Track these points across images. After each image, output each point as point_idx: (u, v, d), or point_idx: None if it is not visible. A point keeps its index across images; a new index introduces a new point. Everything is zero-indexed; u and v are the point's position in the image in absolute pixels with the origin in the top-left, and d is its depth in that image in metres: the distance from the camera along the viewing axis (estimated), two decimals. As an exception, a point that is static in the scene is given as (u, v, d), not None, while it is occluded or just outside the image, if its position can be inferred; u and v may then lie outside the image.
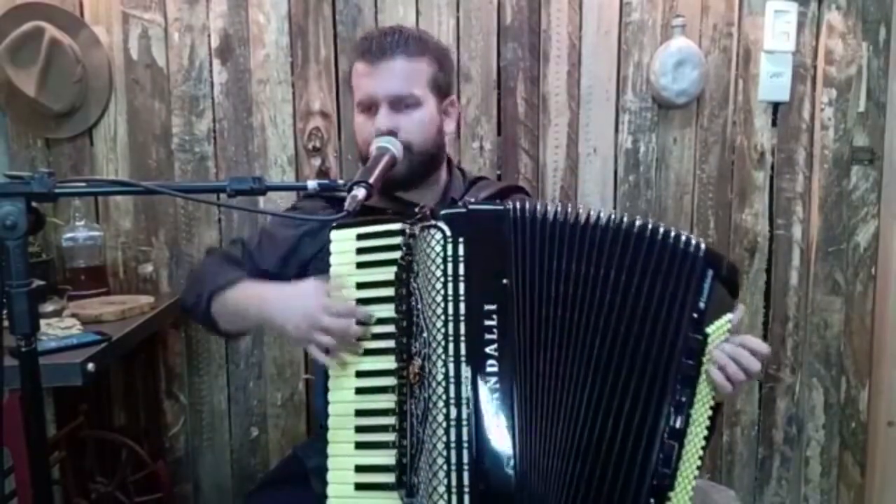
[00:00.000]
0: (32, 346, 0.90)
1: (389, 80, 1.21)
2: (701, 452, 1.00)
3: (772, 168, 2.01)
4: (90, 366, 1.32)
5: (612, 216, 1.03)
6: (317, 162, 1.92)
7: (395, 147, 1.16)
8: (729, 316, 1.01)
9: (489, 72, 1.92)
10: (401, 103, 1.21)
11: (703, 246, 1.01)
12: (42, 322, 1.37)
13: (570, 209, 1.03)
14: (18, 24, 1.75)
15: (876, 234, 2.03)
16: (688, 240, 1.01)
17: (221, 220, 1.94)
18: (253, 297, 1.15)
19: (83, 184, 1.06)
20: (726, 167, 2.00)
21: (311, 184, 1.01)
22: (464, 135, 1.93)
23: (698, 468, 0.99)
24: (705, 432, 0.99)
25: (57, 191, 0.90)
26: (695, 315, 0.99)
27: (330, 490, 1.03)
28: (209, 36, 1.88)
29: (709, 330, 1.00)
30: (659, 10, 1.92)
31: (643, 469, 0.97)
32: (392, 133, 1.18)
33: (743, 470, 2.09)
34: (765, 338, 2.05)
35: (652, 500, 0.96)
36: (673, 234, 1.01)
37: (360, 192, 0.99)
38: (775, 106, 1.99)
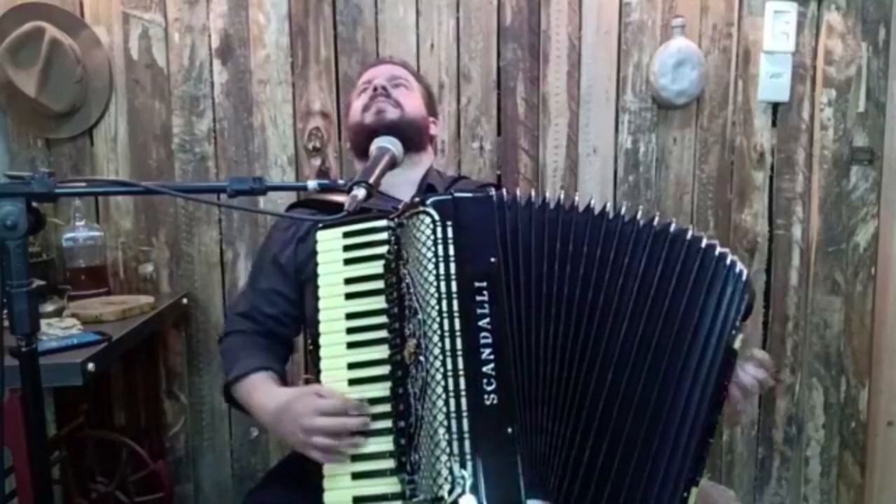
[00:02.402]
0: (33, 346, 0.90)
1: (388, 69, 1.45)
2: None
3: (771, 168, 2.01)
4: (90, 366, 1.32)
5: (608, 206, 1.07)
6: (317, 162, 1.92)
7: (395, 147, 1.17)
8: (741, 336, 1.05)
9: (489, 72, 1.92)
10: (395, 81, 1.41)
11: (744, 271, 1.05)
12: (42, 322, 1.37)
13: (555, 196, 1.08)
14: (18, 24, 1.75)
15: (876, 234, 2.03)
16: (733, 262, 1.05)
17: (222, 220, 1.94)
18: (255, 406, 1.19)
19: (83, 184, 1.06)
20: (726, 167, 2.00)
21: (311, 184, 1.01)
22: (464, 135, 1.93)
23: None
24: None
25: (57, 191, 0.90)
26: (732, 332, 1.03)
27: (326, 483, 1.03)
28: (209, 36, 1.88)
29: (735, 346, 1.03)
30: (658, 11, 1.92)
31: (682, 462, 0.98)
32: (385, 90, 1.37)
33: (743, 470, 2.09)
34: (765, 338, 2.05)
35: (685, 495, 0.98)
36: (718, 250, 1.05)
37: (360, 192, 1.00)
38: (775, 106, 1.99)
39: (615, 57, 1.94)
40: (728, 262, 1.04)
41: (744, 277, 1.04)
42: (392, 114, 1.36)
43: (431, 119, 1.48)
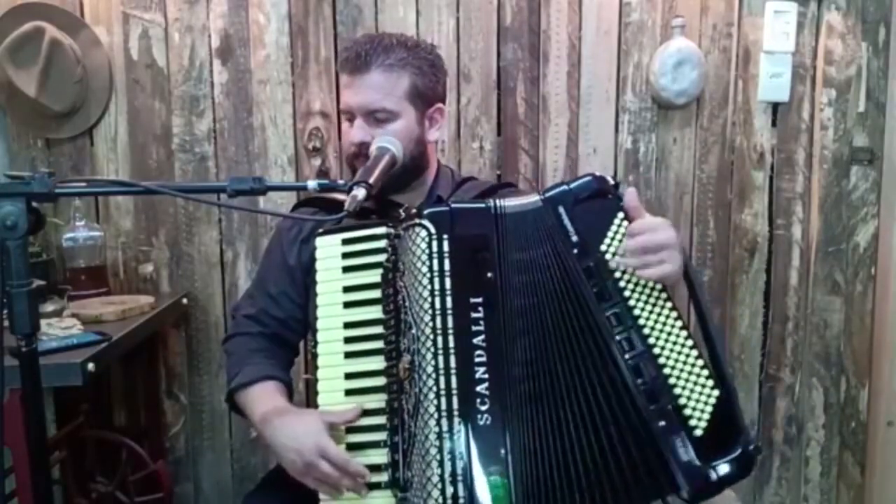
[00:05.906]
0: (33, 346, 0.90)
1: (364, 94, 1.22)
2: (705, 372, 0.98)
3: (771, 168, 2.01)
4: (90, 366, 1.32)
5: None
6: (317, 162, 1.92)
7: (395, 147, 1.17)
8: (616, 221, 1.01)
9: (489, 72, 1.92)
10: (374, 116, 1.22)
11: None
12: (42, 322, 1.36)
13: None
14: (18, 24, 1.75)
15: (876, 234, 2.02)
16: None
17: (222, 220, 1.94)
18: (257, 417, 1.17)
19: (83, 184, 1.07)
20: (726, 167, 2.00)
21: (311, 184, 1.01)
22: (464, 135, 1.93)
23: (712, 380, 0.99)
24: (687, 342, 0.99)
25: (57, 191, 0.90)
26: (574, 250, 1.01)
27: (322, 493, 1.04)
28: (209, 36, 1.88)
29: (602, 247, 1.01)
30: (658, 11, 1.92)
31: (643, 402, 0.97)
32: (363, 144, 1.20)
33: (743, 470, 2.08)
34: (764, 338, 2.05)
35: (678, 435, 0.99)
36: None
37: (360, 193, 0.99)
38: (775, 106, 1.99)
39: (615, 57, 1.94)
40: None
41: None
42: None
43: (434, 108, 1.29)
